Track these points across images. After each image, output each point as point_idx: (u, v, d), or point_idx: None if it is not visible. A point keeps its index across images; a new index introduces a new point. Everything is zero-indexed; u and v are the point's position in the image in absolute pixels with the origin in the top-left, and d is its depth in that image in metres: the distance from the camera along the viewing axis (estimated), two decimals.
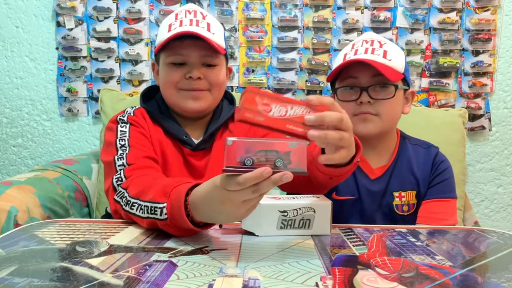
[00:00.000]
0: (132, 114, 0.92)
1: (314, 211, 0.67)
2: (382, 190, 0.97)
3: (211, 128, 0.95)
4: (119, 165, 0.79)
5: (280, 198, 0.70)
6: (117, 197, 0.73)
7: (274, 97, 0.51)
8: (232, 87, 1.68)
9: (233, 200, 0.54)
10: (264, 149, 0.51)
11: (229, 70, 1.01)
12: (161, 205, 0.63)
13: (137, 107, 0.95)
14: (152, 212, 0.64)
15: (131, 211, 0.69)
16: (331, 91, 1.04)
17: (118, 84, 1.70)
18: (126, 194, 0.71)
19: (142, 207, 0.66)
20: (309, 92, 1.69)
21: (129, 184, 0.73)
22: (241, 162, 0.51)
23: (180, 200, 0.60)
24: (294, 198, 0.70)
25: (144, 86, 1.67)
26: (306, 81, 1.67)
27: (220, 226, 0.71)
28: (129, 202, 0.69)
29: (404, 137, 1.05)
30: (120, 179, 0.76)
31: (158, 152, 0.90)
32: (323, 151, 0.68)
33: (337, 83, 1.00)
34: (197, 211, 0.60)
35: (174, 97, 0.93)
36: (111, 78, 1.70)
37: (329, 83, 1.06)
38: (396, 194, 0.98)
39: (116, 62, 1.69)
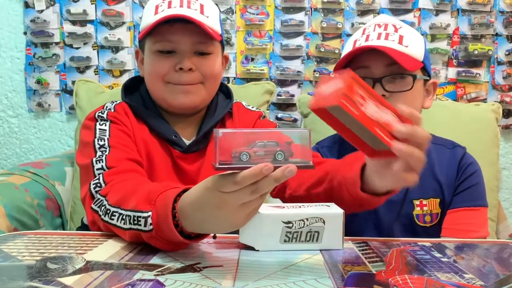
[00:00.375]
0: (112, 110, 0.92)
1: (324, 222, 0.67)
2: (400, 198, 0.97)
3: (205, 127, 0.95)
4: (97, 169, 0.79)
5: (284, 207, 0.70)
6: (95, 205, 0.73)
7: (370, 91, 0.51)
8: (228, 78, 1.68)
9: (229, 204, 0.53)
10: (261, 140, 0.51)
11: (226, 59, 1.01)
12: (145, 214, 0.63)
13: (118, 101, 0.95)
14: (135, 222, 0.64)
15: (111, 221, 0.68)
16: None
17: (96, 74, 1.70)
18: (105, 202, 0.71)
19: (124, 216, 0.66)
20: (317, 84, 1.69)
21: (109, 190, 0.73)
22: (235, 157, 0.50)
23: (167, 208, 0.60)
24: (300, 206, 0.70)
25: (126, 77, 1.68)
26: (314, 71, 1.67)
27: (214, 237, 0.71)
28: (108, 212, 0.69)
29: None
30: (98, 184, 0.76)
31: (143, 154, 0.90)
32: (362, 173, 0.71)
33: None
34: (188, 220, 0.59)
35: (161, 91, 0.93)
36: (87, 67, 1.70)
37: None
38: (416, 202, 0.98)
39: (93, 49, 1.70)
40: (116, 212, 0.68)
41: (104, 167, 0.79)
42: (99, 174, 0.78)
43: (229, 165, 0.50)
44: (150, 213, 0.62)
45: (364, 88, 0.52)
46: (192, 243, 0.64)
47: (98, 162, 0.80)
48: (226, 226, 0.57)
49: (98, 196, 0.74)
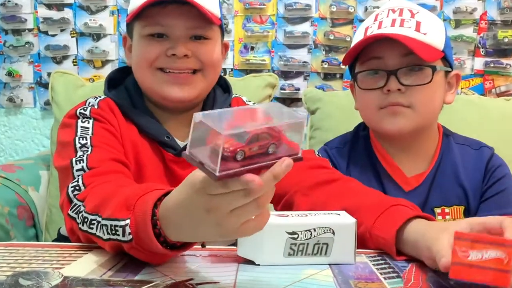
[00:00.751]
0: (96, 107, 0.92)
1: (333, 233, 0.68)
2: (419, 205, 0.97)
3: None
4: (77, 170, 0.79)
5: (288, 216, 0.69)
6: (72, 211, 0.73)
7: (471, 241, 0.58)
8: (224, 69, 1.68)
9: (219, 208, 0.52)
10: (255, 133, 0.50)
11: (225, 47, 1.01)
12: (122, 223, 0.62)
13: (102, 97, 0.95)
14: (114, 232, 0.63)
15: (90, 231, 0.68)
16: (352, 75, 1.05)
17: (74, 65, 1.70)
18: (82, 209, 0.71)
19: (102, 225, 0.66)
20: (326, 76, 1.69)
21: (87, 194, 0.73)
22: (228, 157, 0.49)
23: (146, 215, 0.59)
24: (306, 215, 0.70)
25: (109, 68, 1.68)
26: (323, 61, 1.68)
27: (203, 245, 0.71)
28: (86, 220, 0.69)
29: (447, 135, 1.06)
30: (77, 187, 0.75)
31: (131, 157, 0.90)
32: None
33: (357, 66, 1.01)
34: (171, 227, 0.58)
35: (150, 80, 0.93)
36: (65, 57, 1.71)
37: (347, 66, 1.07)
38: (438, 210, 0.98)
39: (72, 37, 1.70)
40: (95, 220, 0.67)
41: (85, 167, 0.78)
42: (78, 176, 0.77)
43: (229, 170, 0.48)
44: (128, 221, 0.61)
45: (465, 242, 0.58)
46: (177, 254, 0.64)
47: (78, 162, 0.80)
48: (216, 234, 0.55)
49: (76, 201, 0.73)
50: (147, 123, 0.93)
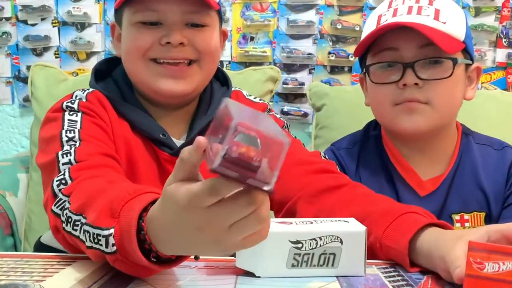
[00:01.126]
0: (84, 100, 0.91)
1: (341, 242, 0.67)
2: (436, 211, 0.98)
3: (199, 123, 0.95)
4: (63, 163, 0.78)
5: (291, 223, 0.69)
6: (57, 207, 0.72)
7: (487, 251, 0.57)
8: (221, 62, 1.68)
9: (215, 224, 0.50)
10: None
11: (224, 35, 1.01)
12: (106, 232, 0.60)
13: (90, 90, 0.95)
14: (96, 241, 0.62)
15: (74, 232, 0.67)
16: (363, 68, 1.05)
17: (56, 58, 1.70)
18: (67, 205, 0.70)
19: (85, 230, 0.64)
20: (333, 69, 1.69)
21: (74, 189, 0.72)
22: (249, 159, 0.45)
23: (131, 226, 0.58)
24: (312, 222, 0.70)
25: (94, 61, 1.68)
26: (329, 53, 1.68)
27: (196, 258, 0.70)
28: (70, 220, 0.68)
29: (467, 134, 1.06)
30: (63, 181, 0.74)
31: (123, 156, 0.89)
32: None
33: (369, 57, 1.01)
34: (161, 243, 0.57)
35: (142, 72, 0.92)
36: (46, 49, 1.71)
37: (357, 58, 1.07)
38: (456, 217, 0.99)
39: (53, 26, 1.70)
40: (79, 221, 0.66)
41: (72, 161, 0.78)
42: (64, 169, 0.77)
43: (237, 165, 0.44)
44: (112, 231, 0.60)
45: (481, 253, 0.58)
46: (170, 267, 0.62)
47: (65, 155, 0.79)
48: (214, 250, 0.54)
49: (61, 195, 0.72)
50: (140, 119, 0.92)
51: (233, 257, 0.69)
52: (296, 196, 0.88)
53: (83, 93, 0.93)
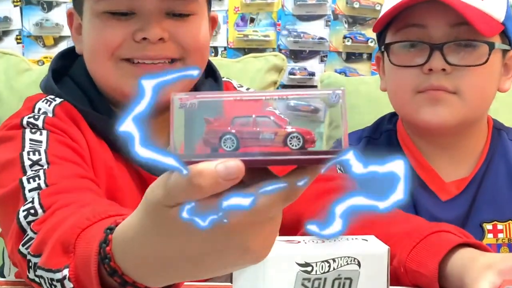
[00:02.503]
0: (51, 115, 0.88)
1: (359, 264, 0.67)
2: (460, 219, 0.99)
3: None
4: (30, 190, 0.74)
5: (299, 242, 0.69)
6: (24, 247, 0.69)
7: None
8: (215, 48, 1.68)
9: (189, 233, 0.45)
10: (247, 115, 0.49)
11: (213, 22, 1.00)
12: (58, 275, 0.59)
13: (57, 101, 0.90)
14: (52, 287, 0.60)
15: (37, 280, 0.64)
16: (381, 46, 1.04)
17: (18, 43, 1.70)
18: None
19: (39, 275, 0.62)
20: (349, 56, 1.68)
21: (45, 220, 0.69)
22: (212, 143, 0.46)
23: (90, 257, 0.55)
24: (323, 241, 0.70)
25: (64, 47, 1.67)
26: (345, 37, 1.67)
27: None
28: (30, 263, 0.65)
29: (499, 129, 1.07)
30: (31, 210, 0.71)
31: (103, 188, 0.86)
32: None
33: (390, 35, 1.01)
34: (136, 269, 0.52)
35: (112, 75, 0.89)
36: (6, 33, 1.71)
37: (375, 36, 1.08)
38: (488, 226, 0.99)
39: (15, 6, 1.70)
40: (36, 265, 0.64)
41: (42, 184, 0.75)
42: (33, 196, 0.73)
43: (196, 158, 0.44)
44: (66, 272, 0.58)
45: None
46: None
47: (31, 180, 0.75)
48: (199, 272, 0.50)
49: (30, 231, 0.69)
50: (120, 137, 0.89)
51: (229, 283, 0.69)
52: (310, 220, 0.87)
53: (49, 105, 0.89)
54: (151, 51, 0.87)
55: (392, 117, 1.10)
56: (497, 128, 1.06)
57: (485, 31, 0.93)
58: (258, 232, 0.47)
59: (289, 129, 0.48)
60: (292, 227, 0.89)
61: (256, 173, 0.45)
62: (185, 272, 0.51)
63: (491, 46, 0.95)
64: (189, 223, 0.45)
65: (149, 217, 0.48)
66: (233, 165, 0.42)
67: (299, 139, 0.48)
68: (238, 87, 1.05)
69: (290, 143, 0.47)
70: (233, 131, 0.47)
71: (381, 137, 1.08)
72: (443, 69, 0.94)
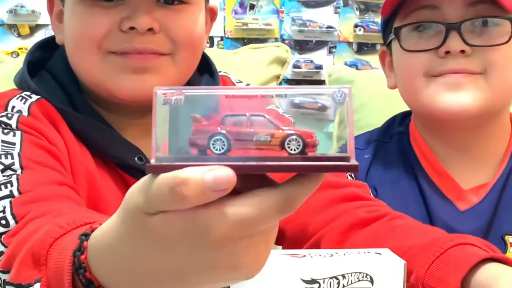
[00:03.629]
0: (26, 114, 0.87)
1: (372, 281, 0.67)
2: (481, 230, 0.99)
3: None
4: (1, 198, 0.74)
5: (304, 256, 0.69)
6: None
7: None
8: (211, 38, 1.68)
9: (171, 246, 0.46)
10: (240, 113, 0.49)
11: (212, 14, 1.01)
12: None
13: (34, 98, 0.90)
14: None
15: None
16: (387, 36, 1.05)
17: None
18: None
19: None
20: (361, 47, 1.68)
21: (18, 231, 0.69)
22: (198, 145, 0.47)
23: (63, 269, 0.55)
24: (331, 255, 0.70)
25: (40, 37, 1.68)
26: (356, 26, 1.67)
27: None
28: (0, 282, 0.65)
29: None
30: (2, 222, 0.71)
31: (84, 197, 0.85)
32: None
33: (398, 20, 1.02)
34: (113, 282, 0.52)
35: (96, 69, 0.89)
36: None
37: (381, 25, 1.08)
38: (511, 238, 0.99)
39: None
40: (4, 282, 0.64)
41: (15, 192, 0.75)
42: (4, 205, 0.73)
43: (181, 161, 0.44)
44: (37, 287, 0.58)
45: None
46: None
47: (2, 187, 0.75)
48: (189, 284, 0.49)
49: (0, 245, 0.70)
50: (105, 139, 0.90)
51: None
52: (318, 233, 0.88)
53: (24, 103, 0.89)
54: (139, 43, 0.87)
55: (403, 118, 1.10)
56: None
57: (509, 4, 0.94)
58: (249, 247, 0.46)
59: (287, 130, 0.47)
60: (296, 239, 0.90)
61: (250, 178, 0.45)
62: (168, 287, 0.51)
63: None
64: (171, 234, 0.45)
65: (127, 224, 0.48)
66: (223, 174, 0.42)
67: (298, 142, 0.47)
68: (237, 82, 1.05)
69: (289, 147, 0.46)
70: (224, 131, 0.46)
71: (391, 140, 1.09)
72: (462, 51, 0.95)
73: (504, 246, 0.98)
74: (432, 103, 0.98)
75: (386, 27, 1.05)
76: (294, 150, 0.46)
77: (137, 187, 0.46)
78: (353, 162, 0.46)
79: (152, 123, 0.46)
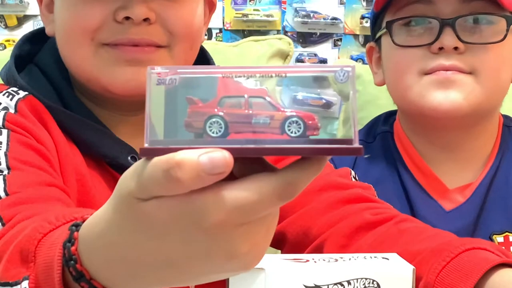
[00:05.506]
0: (13, 111, 0.88)
1: (379, 287, 0.68)
2: (467, 230, 1.01)
3: None
4: None
5: (307, 261, 0.69)
6: None
7: None
8: (209, 30, 1.68)
9: (165, 232, 0.46)
10: (238, 95, 0.48)
11: (210, 5, 1.01)
12: None
13: (21, 94, 0.91)
14: None
15: None
16: (377, 31, 1.06)
17: None
18: None
19: None
20: (367, 40, 1.68)
21: (5, 233, 0.69)
22: (192, 127, 0.47)
23: (52, 263, 0.55)
24: (336, 259, 0.70)
25: (29, 29, 1.70)
26: (363, 17, 1.67)
27: None
28: None
29: (509, 126, 1.09)
30: None
31: (74, 199, 0.86)
32: None
33: (389, 15, 1.03)
34: (106, 273, 0.53)
35: (89, 62, 0.89)
36: None
37: (369, 20, 1.10)
38: (499, 238, 1.01)
39: None
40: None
41: (1, 193, 0.76)
42: None
43: (176, 145, 0.44)
44: (25, 285, 0.58)
45: None
46: None
47: None
48: (181, 279, 0.50)
49: None
50: (96, 137, 0.90)
51: None
52: (322, 235, 0.88)
53: (11, 99, 0.89)
54: (135, 33, 0.87)
55: (387, 118, 1.12)
56: (507, 126, 1.09)
57: (505, 1, 0.95)
58: (247, 235, 0.46)
59: (288, 112, 0.47)
60: (298, 242, 0.90)
61: (249, 163, 0.45)
62: (162, 278, 0.51)
63: (510, 20, 0.97)
64: (164, 221, 0.45)
65: (119, 210, 0.48)
66: (220, 157, 0.42)
67: (299, 124, 0.47)
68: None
69: (289, 129, 0.46)
70: (221, 113, 0.46)
71: (375, 140, 1.11)
72: (455, 48, 0.96)
73: None
74: (422, 100, 1.00)
75: (376, 22, 1.06)
76: (295, 133, 0.46)
77: (130, 172, 0.46)
78: (357, 145, 0.45)
79: (146, 105, 0.46)
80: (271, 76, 0.48)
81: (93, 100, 0.93)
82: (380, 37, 1.05)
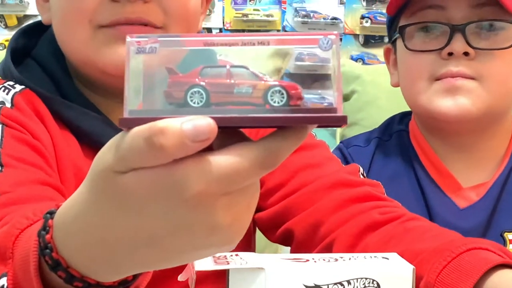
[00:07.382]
0: (9, 105, 0.88)
1: (378, 287, 0.67)
2: (480, 228, 1.02)
3: None
4: None
5: (307, 260, 0.69)
6: None
7: None
8: (209, 30, 1.68)
9: (144, 206, 0.45)
10: (220, 64, 0.48)
11: None
12: None
13: (18, 88, 0.91)
14: None
15: None
16: (393, 34, 1.07)
17: None
18: None
19: None
20: (368, 40, 1.68)
21: None
22: (174, 98, 0.46)
23: (26, 257, 0.54)
24: (336, 259, 0.70)
25: None
26: (363, 17, 1.67)
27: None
28: None
29: None
30: None
31: (71, 187, 0.86)
32: None
33: (404, 19, 1.05)
34: (82, 259, 0.52)
35: (86, 45, 0.89)
36: None
37: (386, 23, 1.12)
38: (510, 235, 1.03)
39: None
40: None
41: None
42: None
43: (156, 114, 0.44)
44: (3, 282, 0.58)
45: None
46: None
47: None
48: (162, 257, 0.49)
49: None
50: (97, 128, 0.90)
51: None
52: (331, 235, 0.89)
53: (7, 93, 0.89)
54: (131, 12, 0.87)
55: (403, 118, 1.15)
56: None
57: None
58: (229, 206, 0.45)
59: (271, 82, 0.47)
60: (306, 240, 0.91)
61: (227, 136, 0.45)
62: (143, 258, 0.49)
63: None
64: (144, 194, 0.44)
65: (95, 188, 0.47)
66: (204, 123, 0.41)
67: (282, 94, 0.46)
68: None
69: (272, 99, 0.46)
70: (202, 83, 0.46)
71: (391, 138, 1.13)
72: (465, 54, 0.97)
73: (503, 243, 1.01)
74: (431, 106, 1.03)
75: (392, 25, 1.07)
76: (278, 102, 0.46)
77: (106, 146, 0.45)
78: (340, 114, 0.46)
79: (125, 75, 0.46)
80: (253, 44, 0.48)
81: (91, 88, 0.94)
82: (396, 39, 1.07)
